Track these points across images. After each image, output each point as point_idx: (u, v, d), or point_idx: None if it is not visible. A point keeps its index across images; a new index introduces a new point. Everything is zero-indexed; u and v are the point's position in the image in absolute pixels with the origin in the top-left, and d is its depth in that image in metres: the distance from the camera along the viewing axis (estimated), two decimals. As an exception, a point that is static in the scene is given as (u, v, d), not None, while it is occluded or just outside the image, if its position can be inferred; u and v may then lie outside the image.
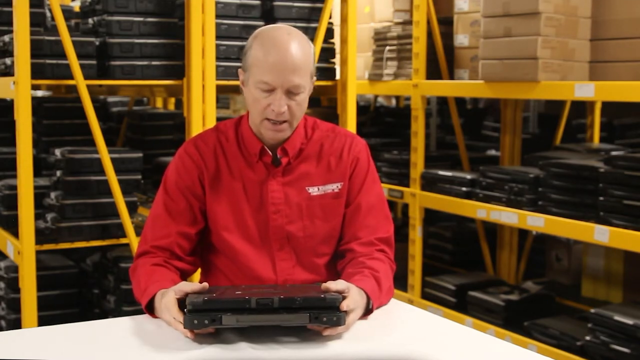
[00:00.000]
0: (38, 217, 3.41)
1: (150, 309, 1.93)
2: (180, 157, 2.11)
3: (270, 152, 2.08)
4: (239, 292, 1.79)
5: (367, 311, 1.92)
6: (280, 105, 1.95)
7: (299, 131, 2.10)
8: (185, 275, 2.09)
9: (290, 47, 1.95)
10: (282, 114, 1.96)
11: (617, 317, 3.44)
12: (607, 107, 5.21)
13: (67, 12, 3.98)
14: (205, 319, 1.70)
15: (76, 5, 4.19)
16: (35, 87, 3.60)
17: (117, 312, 3.64)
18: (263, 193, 2.08)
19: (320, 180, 2.10)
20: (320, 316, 1.70)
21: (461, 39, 4.48)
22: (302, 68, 1.97)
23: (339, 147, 2.13)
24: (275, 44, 1.96)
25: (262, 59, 1.95)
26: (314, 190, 2.09)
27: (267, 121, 1.99)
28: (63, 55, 3.24)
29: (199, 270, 2.23)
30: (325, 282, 1.84)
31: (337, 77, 3.89)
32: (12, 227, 3.43)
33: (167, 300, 1.83)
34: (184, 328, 1.73)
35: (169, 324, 1.83)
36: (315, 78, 2.07)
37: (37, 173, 3.55)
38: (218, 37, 3.42)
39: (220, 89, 3.60)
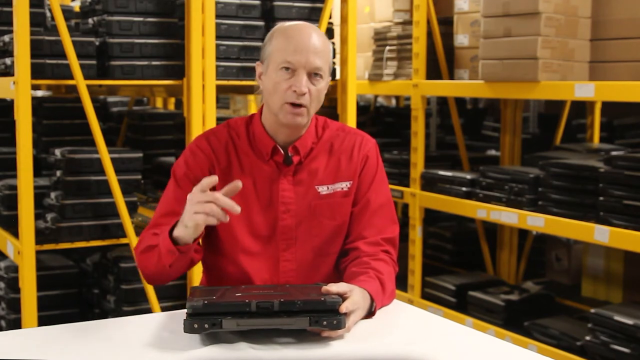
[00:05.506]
0: (38, 217, 3.41)
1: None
2: (191, 150, 2.10)
3: (282, 151, 2.07)
4: (239, 295, 1.79)
5: (370, 313, 1.91)
6: (302, 84, 1.95)
7: (310, 130, 2.09)
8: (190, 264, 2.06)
9: (312, 32, 2.01)
10: (303, 95, 1.96)
11: (617, 317, 3.44)
12: (607, 107, 5.21)
13: (67, 12, 3.97)
14: (205, 323, 1.69)
15: (76, 5, 4.19)
16: (35, 87, 3.60)
17: (117, 312, 3.64)
18: (273, 191, 2.07)
19: (329, 179, 2.09)
20: (320, 319, 1.70)
21: (461, 39, 4.48)
22: (323, 53, 2.00)
23: (349, 146, 2.13)
24: (299, 29, 2.01)
25: (285, 42, 1.99)
26: (323, 189, 2.09)
27: (287, 105, 1.98)
28: (63, 55, 3.24)
29: (201, 269, 2.22)
30: (327, 282, 1.84)
31: (337, 77, 3.88)
32: (12, 227, 3.43)
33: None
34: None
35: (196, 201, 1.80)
36: (330, 78, 2.08)
37: (37, 173, 3.55)
38: (218, 37, 3.42)
39: (220, 89, 3.60)
